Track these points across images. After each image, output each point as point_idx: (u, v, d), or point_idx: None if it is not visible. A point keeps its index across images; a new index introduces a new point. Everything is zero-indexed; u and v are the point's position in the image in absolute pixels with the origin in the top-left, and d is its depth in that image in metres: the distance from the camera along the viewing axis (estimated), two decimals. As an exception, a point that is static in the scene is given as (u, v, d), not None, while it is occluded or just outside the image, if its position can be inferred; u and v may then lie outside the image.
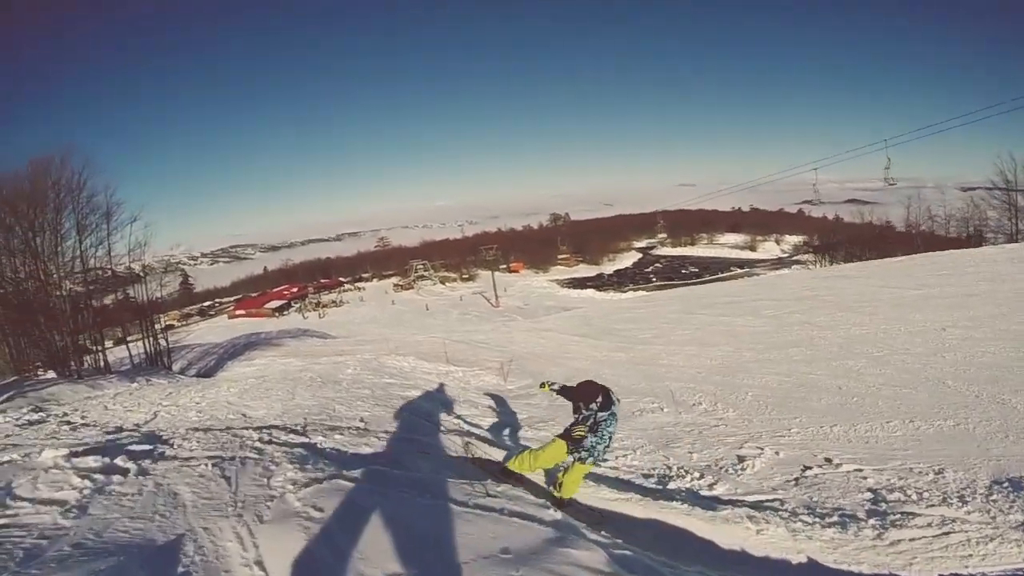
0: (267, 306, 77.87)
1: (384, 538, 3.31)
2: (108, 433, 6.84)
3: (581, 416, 4.78)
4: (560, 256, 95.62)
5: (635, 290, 61.64)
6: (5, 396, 11.73)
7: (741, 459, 5.59)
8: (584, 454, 4.72)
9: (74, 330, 16.47)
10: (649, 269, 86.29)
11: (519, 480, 5.19)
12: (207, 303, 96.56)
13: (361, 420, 7.37)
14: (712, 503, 4.71)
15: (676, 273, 77.74)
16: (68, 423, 8.21)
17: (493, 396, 9.77)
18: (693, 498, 4.83)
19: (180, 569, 3.07)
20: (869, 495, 4.67)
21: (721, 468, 5.44)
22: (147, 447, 4.95)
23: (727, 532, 4.30)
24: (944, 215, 46.55)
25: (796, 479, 5.02)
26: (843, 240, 61.38)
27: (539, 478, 5.48)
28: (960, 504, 4.45)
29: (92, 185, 18.28)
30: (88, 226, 18.22)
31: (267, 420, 7.52)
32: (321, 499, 3.82)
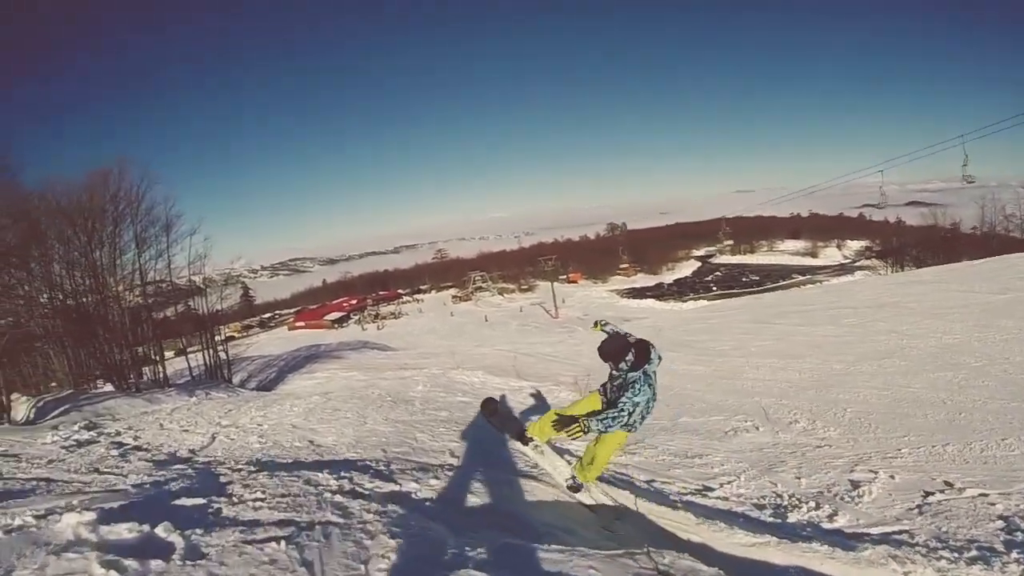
0: (326, 318, 78.89)
1: None
2: (158, 465, 5.89)
3: (610, 377, 4.37)
4: (621, 266, 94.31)
5: (696, 299, 60.00)
6: (61, 409, 11.25)
7: (855, 484, 5.15)
8: (609, 421, 4.13)
9: (133, 342, 16.15)
10: (709, 278, 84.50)
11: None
12: (267, 315, 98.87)
13: (451, 454, 6.16)
14: (847, 541, 4.19)
15: (736, 282, 75.67)
16: (119, 444, 7.49)
17: None
18: (820, 534, 4.35)
19: None
20: (1000, 523, 4.18)
21: (835, 495, 5.00)
22: (200, 501, 3.81)
23: (874, 576, 3.74)
24: (1020, 215, 43.64)
25: (919, 507, 4.63)
26: (908, 244, 59.69)
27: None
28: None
29: (151, 197, 18.43)
30: (147, 238, 18.21)
31: (339, 450, 6.44)
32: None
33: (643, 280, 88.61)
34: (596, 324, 5.08)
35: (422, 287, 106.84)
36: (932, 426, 6.62)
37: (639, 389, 4.14)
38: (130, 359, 15.53)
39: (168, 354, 24.35)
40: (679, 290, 75.47)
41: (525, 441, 4.93)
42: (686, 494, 5.09)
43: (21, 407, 11.52)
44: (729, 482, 5.49)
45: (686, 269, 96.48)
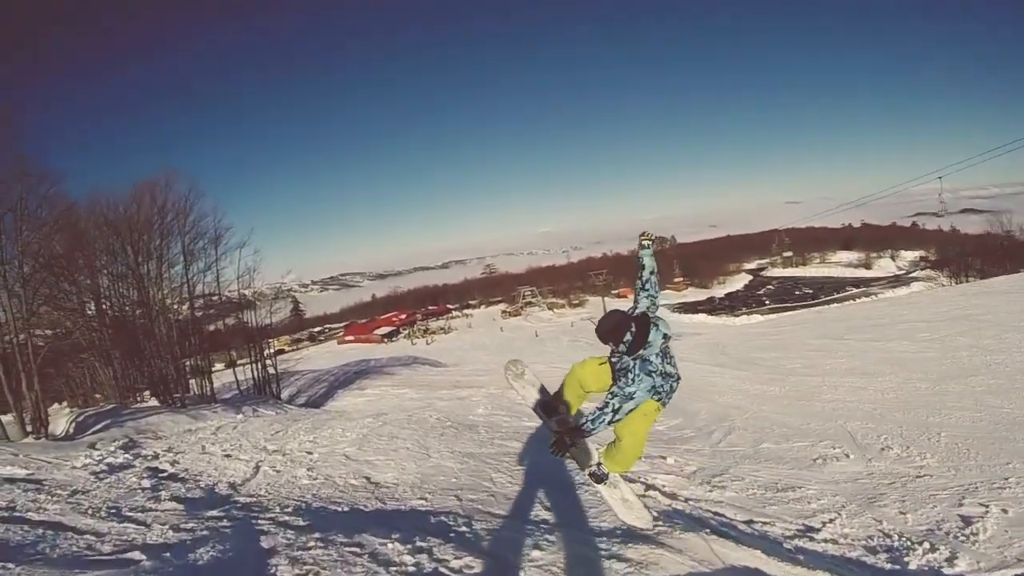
0: (376, 332, 79.37)
1: None
2: (190, 507, 5.04)
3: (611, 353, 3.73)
4: (675, 280, 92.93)
5: (748, 314, 58.09)
6: (102, 424, 10.66)
7: (966, 521, 4.76)
8: (590, 424, 3.57)
9: (180, 356, 15.71)
10: (761, 292, 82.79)
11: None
12: (317, 329, 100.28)
13: (543, 504, 5.02)
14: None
15: (789, 295, 73.77)
16: (154, 472, 6.77)
17: (649, 442, 8.06)
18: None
19: None
20: None
21: (948, 534, 4.59)
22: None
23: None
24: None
25: (1040, 545, 4.16)
26: (965, 253, 57.66)
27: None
28: None
29: (199, 209, 18.02)
30: (195, 251, 17.87)
31: (403, 493, 5.43)
32: None
33: (694, 294, 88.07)
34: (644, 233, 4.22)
35: (471, 302, 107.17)
36: (1037, 452, 6.25)
37: (633, 379, 3.51)
38: (175, 373, 15.02)
39: (219, 365, 24.19)
40: (731, 304, 74.18)
41: (553, 412, 4.22)
42: (791, 536, 4.61)
43: (62, 420, 11.01)
44: (831, 520, 5.01)
45: (737, 283, 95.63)
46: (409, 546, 3.58)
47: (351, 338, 77.53)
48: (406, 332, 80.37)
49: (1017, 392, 8.57)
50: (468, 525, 4.27)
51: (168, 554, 3.50)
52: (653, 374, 3.52)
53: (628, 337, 3.46)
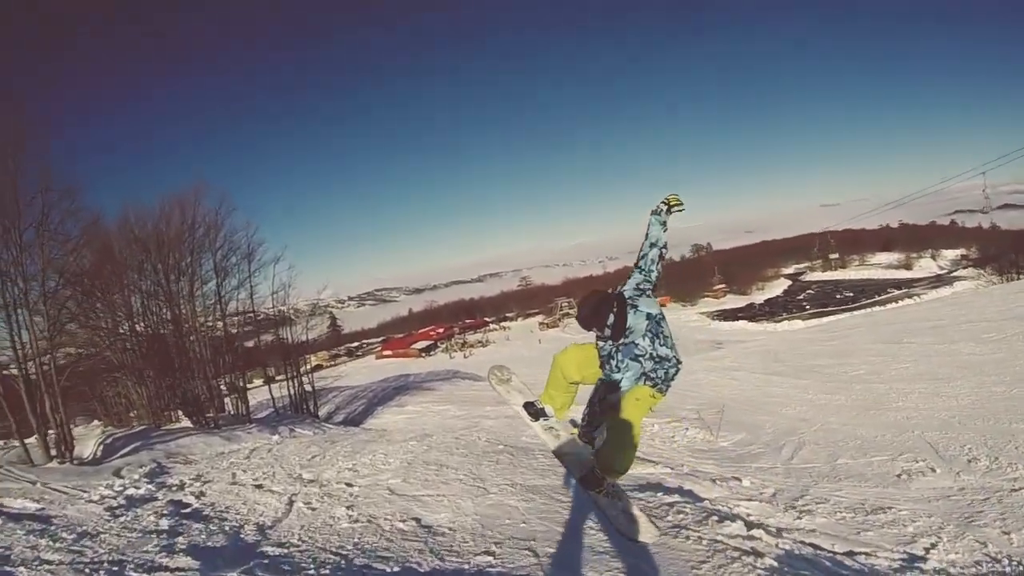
0: (414, 347, 79.20)
1: None
2: (211, 562, 4.22)
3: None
4: (715, 287, 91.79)
5: (789, 319, 57.03)
6: (131, 447, 10.11)
7: None
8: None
9: (214, 374, 15.20)
10: (801, 296, 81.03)
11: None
12: (355, 344, 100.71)
13: (646, 559, 4.01)
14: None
15: (831, 299, 72.24)
16: (176, 507, 6.06)
17: (715, 460, 8.32)
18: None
19: None
20: None
21: None
22: None
23: None
24: None
25: None
26: (1009, 249, 56.95)
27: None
28: None
29: (231, 224, 17.66)
30: (228, 267, 17.47)
31: (463, 545, 4.51)
32: None
33: (733, 301, 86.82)
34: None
35: (508, 315, 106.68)
36: None
37: (618, 365, 3.24)
38: (209, 392, 14.48)
39: (257, 381, 23.82)
40: (771, 310, 72.58)
41: (537, 416, 3.93)
42: (898, 569, 4.18)
43: (91, 442, 10.46)
44: (932, 545, 4.61)
45: (776, 288, 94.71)
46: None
47: (389, 353, 77.49)
48: (444, 346, 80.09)
49: (1105, 393, 8.05)
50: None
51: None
52: (641, 359, 3.21)
53: (611, 320, 3.18)
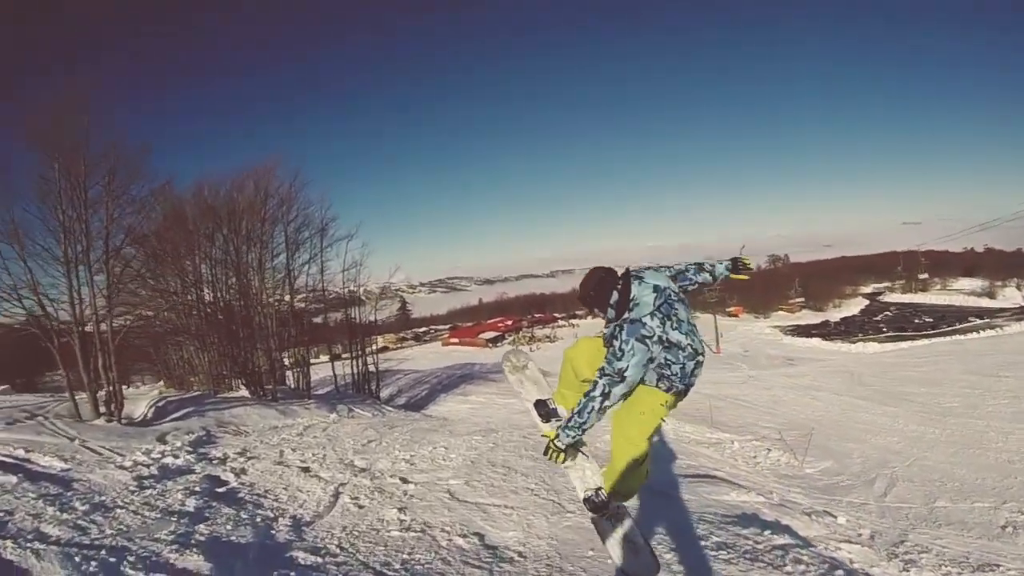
0: (481, 336, 78.88)
1: None
2: (227, 566, 3.31)
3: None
4: (791, 301, 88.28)
5: (864, 341, 53.33)
6: (183, 412, 9.70)
7: None
8: (569, 432, 2.65)
9: (278, 347, 14.87)
10: (878, 318, 76.12)
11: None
12: (422, 329, 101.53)
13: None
14: None
15: (908, 323, 67.79)
16: (210, 483, 5.43)
17: (802, 489, 7.70)
18: None
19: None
20: None
21: None
22: None
23: None
24: None
25: None
26: None
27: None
28: None
29: (304, 198, 17.32)
30: (300, 241, 17.12)
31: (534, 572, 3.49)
32: None
33: (808, 317, 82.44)
34: None
35: (577, 312, 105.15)
36: None
37: (621, 348, 2.55)
38: (270, 364, 14.14)
39: (323, 358, 23.72)
40: (847, 329, 68.40)
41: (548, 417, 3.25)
42: None
43: (143, 403, 10.14)
44: None
45: (853, 307, 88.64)
46: None
47: (456, 340, 77.44)
48: (512, 338, 79.40)
49: None
50: None
51: None
52: (648, 340, 2.60)
53: (615, 298, 2.75)
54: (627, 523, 3.03)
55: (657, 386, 2.68)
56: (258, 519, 4.40)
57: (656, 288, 2.76)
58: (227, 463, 6.41)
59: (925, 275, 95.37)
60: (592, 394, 2.59)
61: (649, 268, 3.04)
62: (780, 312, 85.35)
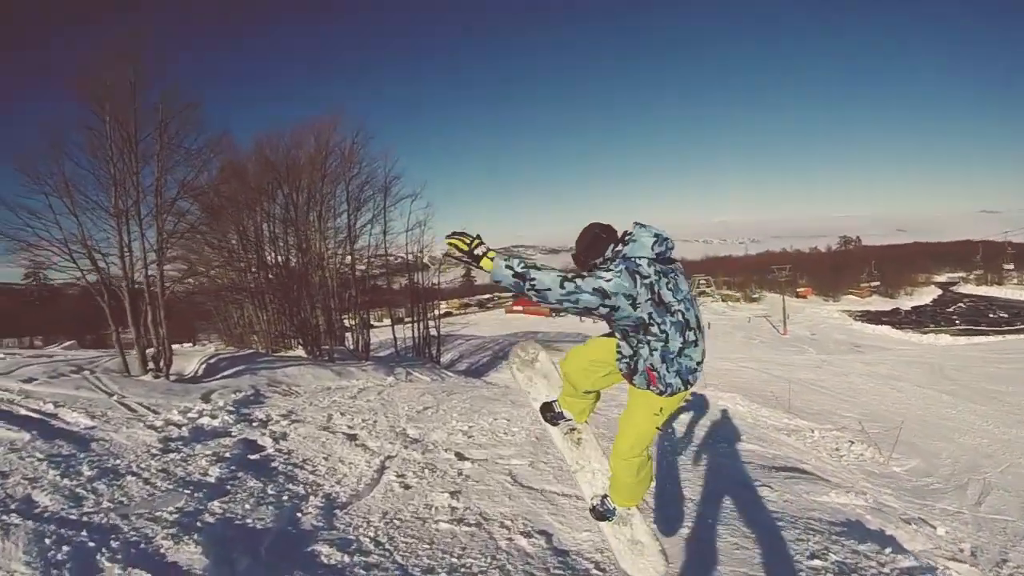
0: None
1: None
2: (240, 551, 2.60)
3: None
4: (862, 285, 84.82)
5: (936, 332, 50.56)
6: (234, 370, 9.33)
7: None
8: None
9: (338, 308, 14.45)
10: (951, 309, 71.83)
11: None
12: (486, 296, 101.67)
13: None
14: None
15: (982, 317, 63.91)
16: (245, 450, 4.81)
17: (892, 489, 6.97)
18: None
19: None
20: None
21: None
22: None
23: None
24: None
25: None
26: None
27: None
28: None
29: (367, 154, 16.63)
30: (362, 198, 16.50)
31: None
32: None
33: (878, 303, 78.70)
34: None
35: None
36: None
37: (605, 270, 2.22)
38: (328, 324, 13.75)
39: (386, 321, 23.48)
40: (917, 319, 64.76)
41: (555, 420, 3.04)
42: None
43: (195, 359, 9.82)
44: None
45: (925, 296, 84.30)
46: None
47: (519, 308, 77.02)
48: (575, 307, 78.77)
49: None
50: None
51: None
52: (637, 276, 2.19)
53: (609, 252, 2.35)
54: (636, 523, 2.83)
55: (649, 388, 2.34)
56: (285, 497, 3.72)
57: (658, 236, 2.37)
58: (268, 426, 5.84)
59: (1011, 265, 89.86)
60: (565, 284, 2.17)
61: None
62: (850, 296, 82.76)
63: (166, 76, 9.70)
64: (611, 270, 2.25)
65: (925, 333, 50.58)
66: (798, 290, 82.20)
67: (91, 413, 5.37)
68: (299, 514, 3.47)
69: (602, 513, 2.86)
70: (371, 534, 3.24)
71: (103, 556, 2.57)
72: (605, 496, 2.89)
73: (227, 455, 4.52)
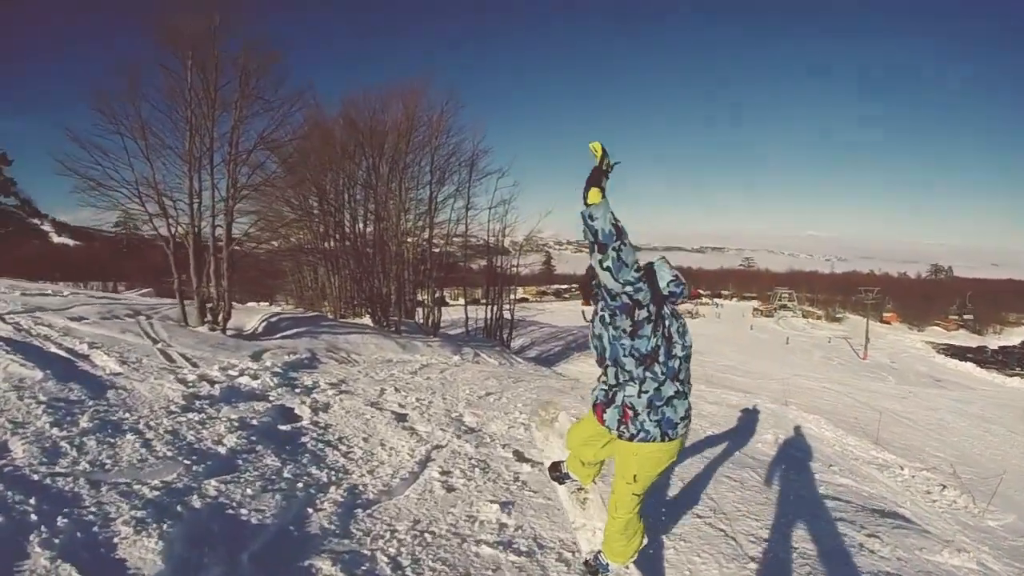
0: (620, 302, 77.30)
1: None
2: (205, 566, 1.86)
3: None
4: (951, 317, 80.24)
5: (1022, 376, 46.46)
6: (293, 332, 8.96)
7: None
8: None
9: (412, 281, 14.01)
10: None
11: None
12: (564, 286, 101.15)
13: None
14: None
15: None
16: (277, 419, 4.28)
17: (990, 547, 5.49)
18: None
19: None
20: None
21: None
22: None
23: None
24: None
25: None
26: None
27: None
28: None
29: (455, 123, 15.89)
30: (447, 169, 15.93)
31: None
32: None
33: (964, 338, 73.93)
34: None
35: (723, 292, 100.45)
36: None
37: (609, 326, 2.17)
38: (398, 296, 13.33)
39: (460, 300, 23.14)
40: (1004, 359, 59.79)
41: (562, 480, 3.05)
42: None
43: (257, 316, 9.54)
44: None
45: (1015, 336, 78.48)
46: None
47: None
48: (652, 307, 77.45)
49: None
50: None
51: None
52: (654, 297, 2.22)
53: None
54: None
55: (618, 430, 2.19)
56: (300, 484, 3.06)
57: (676, 277, 2.29)
58: (312, 393, 5.28)
59: None
60: (634, 263, 1.99)
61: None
62: (935, 327, 79.10)
63: (250, 24, 9.41)
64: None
65: (1010, 375, 47.63)
66: (884, 315, 79.57)
67: (124, 359, 4.96)
68: (310, 509, 2.79)
69: (595, 568, 2.80)
70: (392, 550, 2.52)
71: (38, 535, 1.96)
72: (599, 552, 2.80)
73: (253, 422, 3.95)
